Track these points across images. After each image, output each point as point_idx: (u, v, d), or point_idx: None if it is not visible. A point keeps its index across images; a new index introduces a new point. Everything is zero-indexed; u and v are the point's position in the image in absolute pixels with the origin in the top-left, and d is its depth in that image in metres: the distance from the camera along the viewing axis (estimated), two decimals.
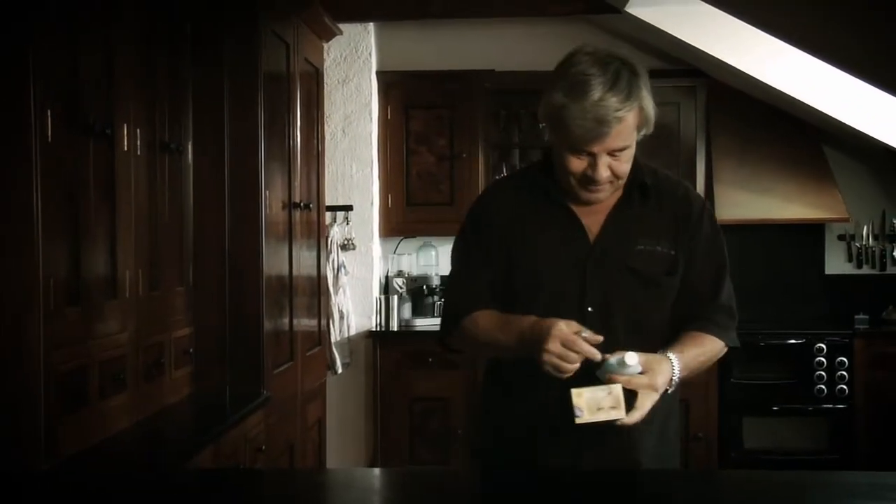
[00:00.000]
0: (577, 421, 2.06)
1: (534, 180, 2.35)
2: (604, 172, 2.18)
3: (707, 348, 2.30)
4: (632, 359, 2.08)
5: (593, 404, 2.05)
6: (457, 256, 2.42)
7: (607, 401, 2.06)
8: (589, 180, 2.20)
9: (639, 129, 2.20)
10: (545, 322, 2.09)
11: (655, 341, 2.27)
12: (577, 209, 2.29)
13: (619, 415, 2.06)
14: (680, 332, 2.30)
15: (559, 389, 2.12)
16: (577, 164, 2.19)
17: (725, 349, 2.36)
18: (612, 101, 2.11)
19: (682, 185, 2.39)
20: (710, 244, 2.35)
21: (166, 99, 3.36)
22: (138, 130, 3.07)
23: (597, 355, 2.06)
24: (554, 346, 2.04)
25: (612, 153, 2.17)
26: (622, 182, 2.25)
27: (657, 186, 2.33)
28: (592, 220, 2.29)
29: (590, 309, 2.25)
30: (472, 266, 2.36)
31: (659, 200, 2.32)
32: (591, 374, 2.10)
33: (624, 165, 2.20)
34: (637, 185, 2.30)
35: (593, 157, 2.17)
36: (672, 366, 2.17)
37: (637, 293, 2.28)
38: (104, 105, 2.86)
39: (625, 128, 2.14)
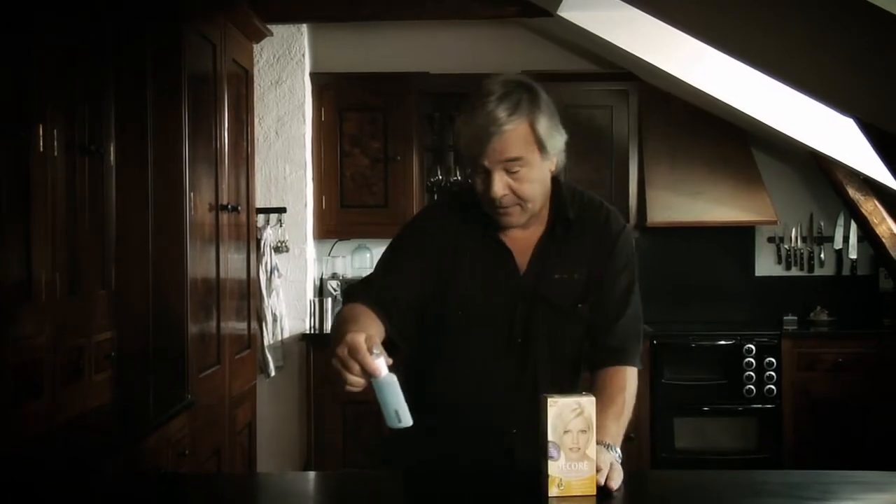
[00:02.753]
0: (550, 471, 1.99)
1: (472, 213, 2.35)
2: (499, 189, 2.20)
3: (628, 393, 2.31)
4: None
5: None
6: (389, 253, 2.40)
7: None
8: (490, 200, 2.22)
9: (539, 150, 2.21)
10: (346, 329, 2.02)
11: (569, 370, 2.37)
12: (511, 246, 2.33)
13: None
14: (596, 377, 2.33)
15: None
16: (479, 183, 2.23)
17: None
18: (498, 113, 2.16)
19: (604, 211, 2.41)
20: (620, 269, 2.38)
21: (86, 100, 3.31)
22: (55, 131, 3.01)
23: (378, 371, 1.90)
24: (341, 350, 1.93)
25: (506, 169, 2.19)
26: (532, 207, 2.26)
27: (581, 216, 2.36)
28: (524, 258, 2.34)
29: (519, 340, 2.32)
30: (394, 268, 2.35)
31: (581, 230, 2.36)
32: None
33: (525, 186, 2.22)
34: (561, 218, 2.34)
35: (488, 174, 2.20)
36: (610, 453, 2.14)
37: (551, 323, 2.33)
38: (17, 106, 2.81)
39: (512, 141, 2.17)
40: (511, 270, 2.32)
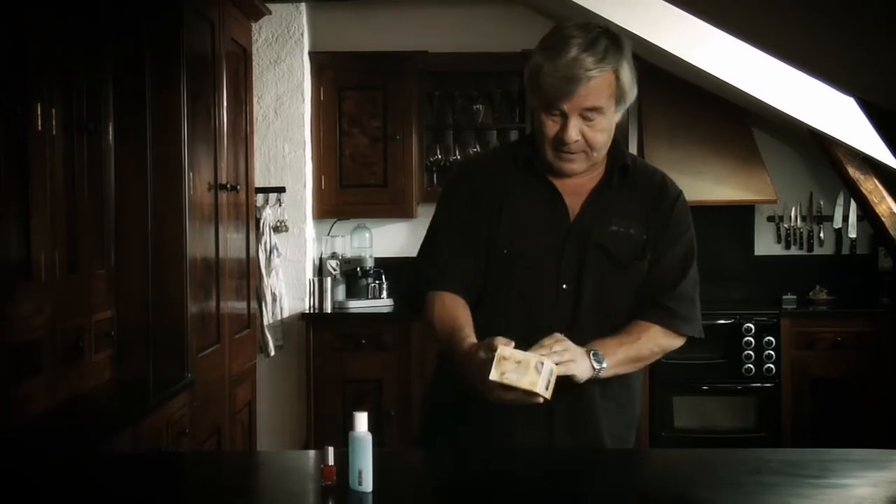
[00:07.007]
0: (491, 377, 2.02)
1: (520, 153, 2.35)
2: (574, 134, 2.19)
3: (644, 339, 2.29)
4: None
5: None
6: (441, 218, 2.39)
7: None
8: (560, 143, 2.21)
9: (616, 101, 2.21)
10: (478, 359, 2.07)
11: (616, 324, 2.30)
12: (561, 188, 2.31)
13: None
14: (630, 321, 2.31)
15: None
16: (551, 125, 2.21)
17: (682, 339, 2.36)
18: (586, 59, 2.14)
19: (659, 173, 2.41)
20: (679, 235, 2.36)
21: (84, 79, 3.30)
22: (53, 110, 3.00)
23: (535, 388, 1.99)
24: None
25: (584, 116, 2.18)
26: (597, 156, 2.26)
27: (636, 170, 2.36)
28: (575, 201, 2.31)
29: (564, 286, 2.28)
30: (453, 235, 2.34)
31: (636, 184, 2.35)
32: None
33: (598, 135, 2.21)
34: (618, 166, 2.32)
35: (565, 118, 2.19)
36: (590, 364, 2.15)
37: (605, 272, 2.30)
38: (14, 84, 2.80)
39: (596, 89, 2.17)
40: (560, 213, 2.30)
